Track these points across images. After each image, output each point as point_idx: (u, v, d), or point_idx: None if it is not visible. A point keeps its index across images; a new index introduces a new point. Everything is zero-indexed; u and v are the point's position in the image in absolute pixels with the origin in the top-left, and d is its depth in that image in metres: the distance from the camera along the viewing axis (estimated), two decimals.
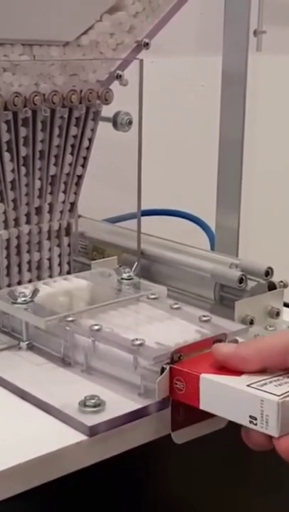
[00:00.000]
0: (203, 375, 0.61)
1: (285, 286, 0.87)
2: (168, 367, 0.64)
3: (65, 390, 0.68)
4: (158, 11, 0.88)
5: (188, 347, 0.66)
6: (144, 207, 0.93)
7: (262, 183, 1.73)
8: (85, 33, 0.83)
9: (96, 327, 0.70)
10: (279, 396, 0.57)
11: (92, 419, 0.62)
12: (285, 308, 0.87)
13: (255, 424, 0.57)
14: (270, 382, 0.59)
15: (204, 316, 0.73)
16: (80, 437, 0.61)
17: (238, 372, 0.61)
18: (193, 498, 0.77)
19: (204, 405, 0.61)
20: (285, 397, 0.57)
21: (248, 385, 0.59)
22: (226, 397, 0.60)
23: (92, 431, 0.61)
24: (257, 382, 0.59)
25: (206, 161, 1.14)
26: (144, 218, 0.93)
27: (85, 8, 0.82)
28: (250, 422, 0.58)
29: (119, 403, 0.64)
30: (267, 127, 1.74)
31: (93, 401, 0.63)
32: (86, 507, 0.71)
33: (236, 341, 0.70)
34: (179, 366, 0.64)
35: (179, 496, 0.76)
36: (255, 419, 0.57)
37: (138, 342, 0.67)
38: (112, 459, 0.62)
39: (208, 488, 0.77)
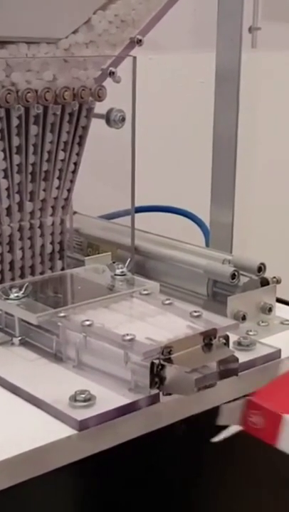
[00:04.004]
0: (286, 416, 0.58)
1: (277, 282, 0.87)
2: (245, 399, 0.60)
3: (57, 385, 0.68)
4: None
5: (178, 342, 0.66)
6: (139, 203, 0.93)
7: (259, 180, 1.73)
8: (76, 30, 0.83)
9: (87, 322, 0.70)
10: None
11: (82, 414, 0.62)
12: (278, 304, 0.87)
13: None
14: None
15: (195, 311, 0.74)
16: (70, 432, 0.62)
17: None
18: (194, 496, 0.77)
19: (283, 446, 0.58)
20: None
21: None
22: None
23: (82, 425, 0.62)
24: None
25: (201, 157, 1.14)
26: (139, 215, 0.93)
27: (77, 5, 0.82)
28: None
29: (110, 398, 0.65)
30: (263, 124, 1.74)
31: (83, 396, 0.64)
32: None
33: (227, 337, 0.70)
34: (259, 400, 0.60)
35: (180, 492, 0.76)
36: None
37: (129, 337, 0.67)
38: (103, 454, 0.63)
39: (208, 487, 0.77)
